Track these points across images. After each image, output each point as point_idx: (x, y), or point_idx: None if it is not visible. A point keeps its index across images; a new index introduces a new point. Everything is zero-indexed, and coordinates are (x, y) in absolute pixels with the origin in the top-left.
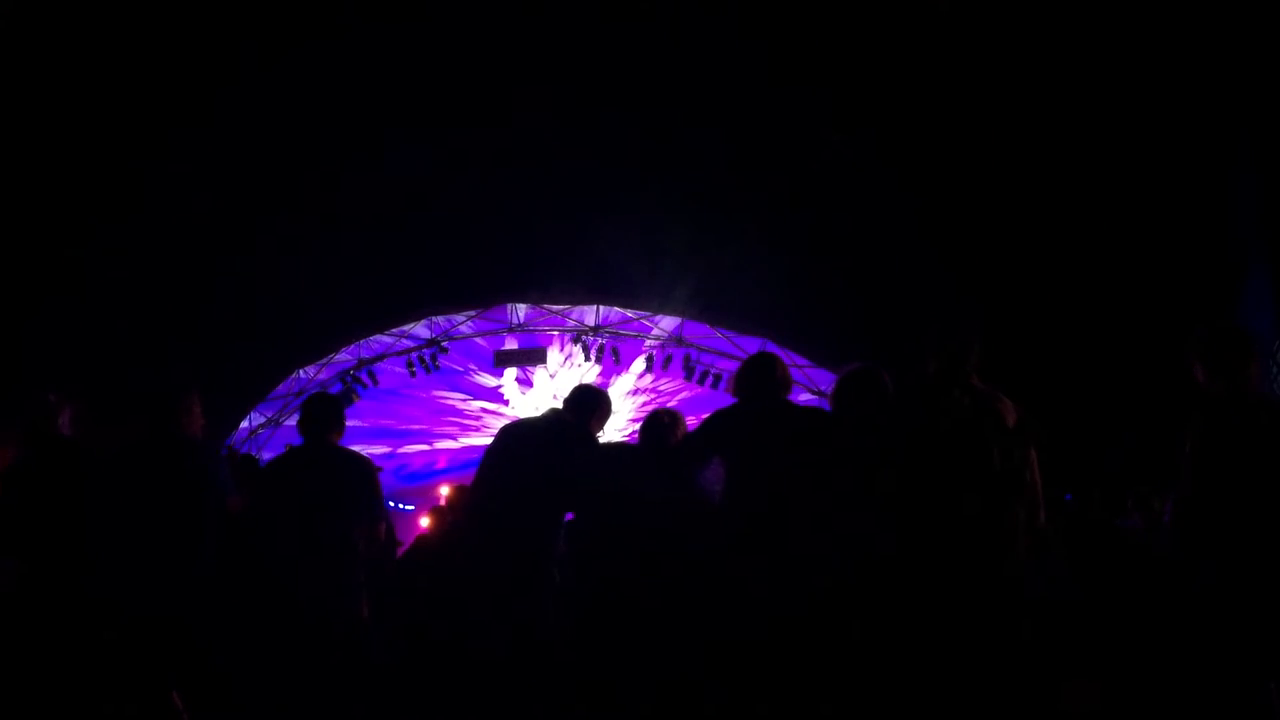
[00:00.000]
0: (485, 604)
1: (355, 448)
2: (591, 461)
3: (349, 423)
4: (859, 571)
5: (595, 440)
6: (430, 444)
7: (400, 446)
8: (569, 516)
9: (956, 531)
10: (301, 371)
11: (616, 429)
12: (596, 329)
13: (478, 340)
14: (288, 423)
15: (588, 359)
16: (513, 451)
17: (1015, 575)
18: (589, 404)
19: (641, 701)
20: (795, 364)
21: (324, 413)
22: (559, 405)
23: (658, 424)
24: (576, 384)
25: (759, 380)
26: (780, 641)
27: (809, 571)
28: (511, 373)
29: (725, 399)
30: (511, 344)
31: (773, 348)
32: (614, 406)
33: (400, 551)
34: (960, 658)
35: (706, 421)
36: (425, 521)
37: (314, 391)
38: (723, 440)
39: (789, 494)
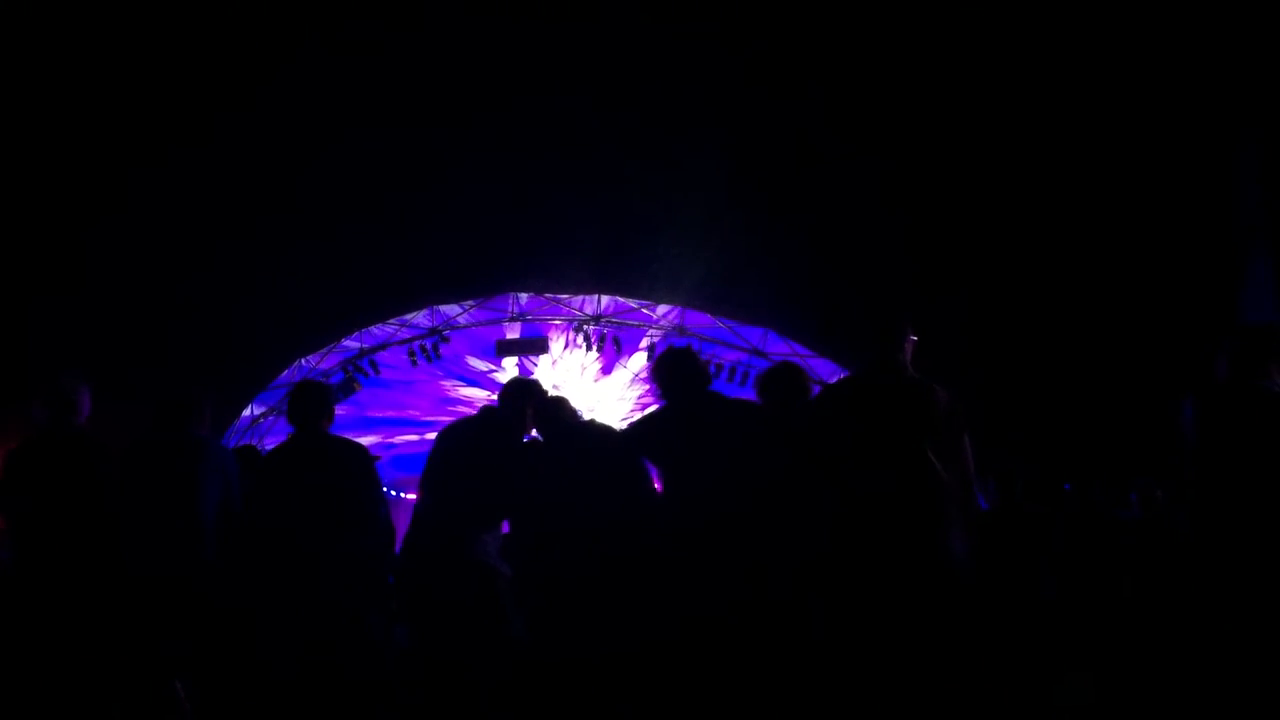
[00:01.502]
0: (450, 607)
1: (355, 437)
2: (513, 460)
3: (351, 412)
4: (798, 565)
5: (518, 439)
6: (422, 435)
7: (399, 435)
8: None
9: (896, 520)
10: (304, 360)
11: (619, 418)
12: (598, 318)
13: (479, 329)
14: None
15: (589, 348)
16: (449, 455)
17: (956, 557)
18: (520, 395)
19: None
20: (797, 354)
21: (315, 401)
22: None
23: (558, 409)
24: (510, 378)
25: (675, 377)
26: (710, 640)
27: (751, 568)
28: (512, 361)
29: (727, 388)
30: (513, 333)
31: (774, 337)
32: (617, 395)
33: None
34: (911, 643)
35: (633, 427)
36: None
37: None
38: (649, 445)
39: (725, 490)
